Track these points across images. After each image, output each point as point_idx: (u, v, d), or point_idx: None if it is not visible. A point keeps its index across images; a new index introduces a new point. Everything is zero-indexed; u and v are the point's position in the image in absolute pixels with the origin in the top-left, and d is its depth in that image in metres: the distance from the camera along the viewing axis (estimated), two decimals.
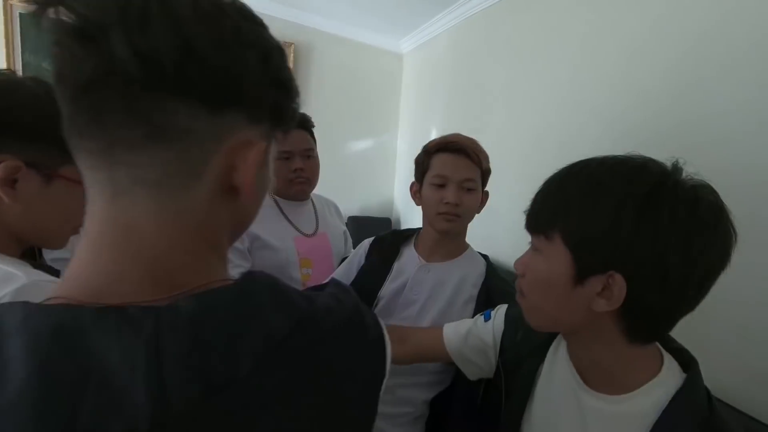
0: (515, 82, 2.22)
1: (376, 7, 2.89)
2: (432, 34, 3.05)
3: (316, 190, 1.29)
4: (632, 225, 0.46)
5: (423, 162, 1.00)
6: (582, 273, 0.50)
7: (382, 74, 3.53)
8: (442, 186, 0.94)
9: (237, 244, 1.08)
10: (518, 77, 2.20)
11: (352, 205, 3.55)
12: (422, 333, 0.85)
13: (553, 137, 1.94)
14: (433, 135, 3.01)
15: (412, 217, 3.37)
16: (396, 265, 1.01)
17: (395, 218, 3.66)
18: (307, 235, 1.19)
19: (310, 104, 3.33)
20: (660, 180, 0.47)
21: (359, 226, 3.40)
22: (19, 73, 2.30)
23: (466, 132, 0.99)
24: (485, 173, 0.97)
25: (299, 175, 1.16)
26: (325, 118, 3.45)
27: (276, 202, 1.20)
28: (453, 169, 0.93)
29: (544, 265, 0.54)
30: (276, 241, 1.13)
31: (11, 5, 2.63)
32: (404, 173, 3.56)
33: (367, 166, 3.59)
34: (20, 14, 2.66)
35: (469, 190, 0.94)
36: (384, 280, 0.99)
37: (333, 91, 3.40)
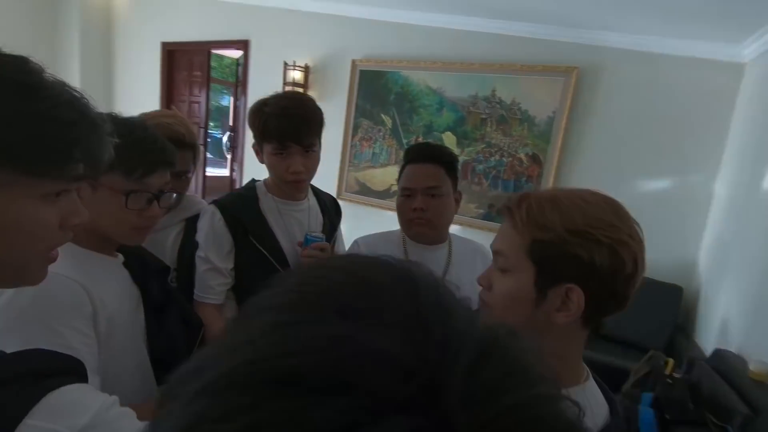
0: None
1: (698, 7, 2.15)
2: None
3: None
4: None
5: None
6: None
7: (702, 93, 2.60)
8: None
9: None
10: None
11: None
12: None
13: None
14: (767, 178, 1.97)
15: (716, 289, 2.33)
16: None
17: (693, 288, 2.63)
18: None
19: (593, 134, 2.87)
20: None
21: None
22: (352, 111, 3.16)
23: None
24: None
25: (419, 215, 1.03)
26: (612, 151, 2.91)
27: (404, 242, 1.12)
28: None
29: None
30: None
31: (356, 65, 3.58)
32: (717, 227, 2.51)
33: (663, 213, 2.74)
34: (360, 71, 3.59)
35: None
36: None
37: (625, 119, 2.81)
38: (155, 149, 0.76)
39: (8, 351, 0.58)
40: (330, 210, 1.24)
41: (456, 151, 3.32)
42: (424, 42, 3.36)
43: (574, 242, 0.54)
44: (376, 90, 3.55)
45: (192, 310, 0.96)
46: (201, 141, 4.62)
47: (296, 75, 3.75)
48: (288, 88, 3.76)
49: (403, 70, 3.44)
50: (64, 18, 4.50)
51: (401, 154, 3.54)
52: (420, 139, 3.45)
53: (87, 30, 4.52)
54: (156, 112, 1.15)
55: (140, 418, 0.65)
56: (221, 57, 5.81)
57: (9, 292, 0.60)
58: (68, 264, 0.66)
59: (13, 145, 0.41)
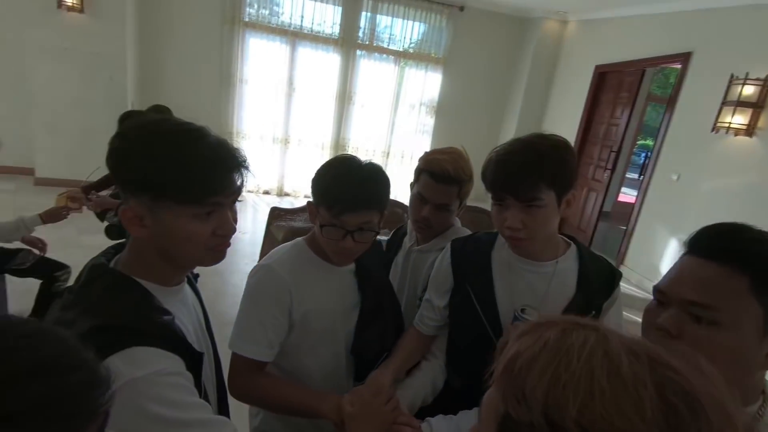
0: None
1: None
2: None
3: None
4: None
5: None
6: None
7: None
8: None
9: None
10: None
11: None
12: None
13: None
14: None
15: None
16: None
17: None
18: None
19: None
20: None
21: None
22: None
23: None
24: None
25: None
26: None
27: None
28: None
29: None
30: None
31: None
32: None
33: None
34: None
35: None
36: None
37: None
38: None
39: (239, 313, 0.91)
40: (594, 284, 0.92)
41: None
42: None
43: None
44: None
45: (393, 327, 1.06)
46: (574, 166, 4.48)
47: (747, 90, 2.89)
48: (728, 108, 2.97)
49: None
50: (523, 46, 5.43)
51: None
52: None
53: (538, 56, 5.26)
54: (440, 149, 1.19)
55: (322, 409, 0.86)
56: (668, 74, 5.17)
57: (253, 271, 0.94)
58: (288, 264, 0.93)
59: (166, 186, 0.61)
